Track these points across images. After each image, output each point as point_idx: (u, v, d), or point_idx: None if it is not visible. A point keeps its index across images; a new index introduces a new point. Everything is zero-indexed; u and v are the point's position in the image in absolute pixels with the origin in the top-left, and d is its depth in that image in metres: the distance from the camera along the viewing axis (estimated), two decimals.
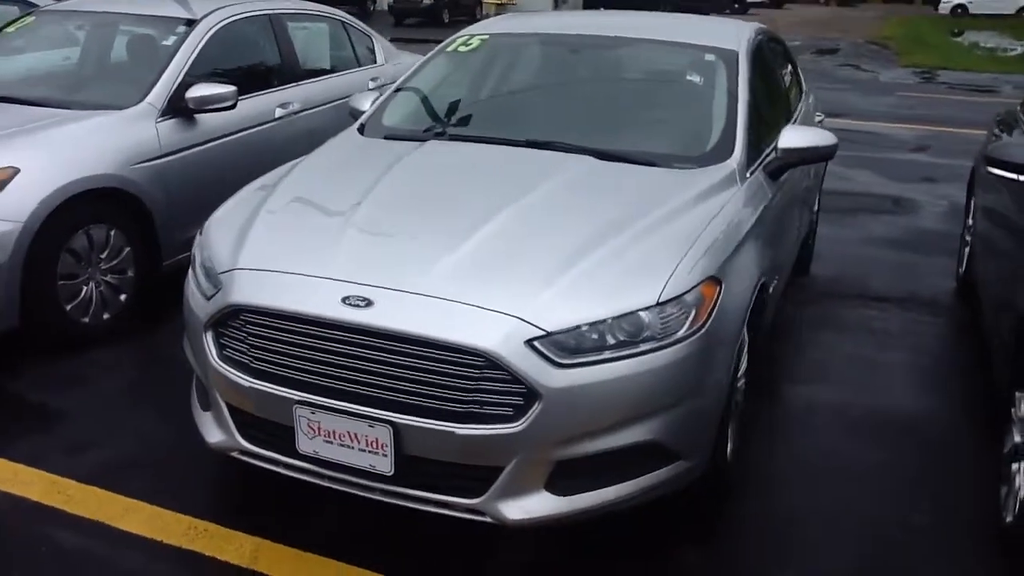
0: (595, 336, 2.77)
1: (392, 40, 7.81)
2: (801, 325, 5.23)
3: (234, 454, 3.11)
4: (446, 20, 30.37)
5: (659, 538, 3.21)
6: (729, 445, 3.33)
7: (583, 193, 3.45)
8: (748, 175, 3.70)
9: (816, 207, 6.09)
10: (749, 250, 3.34)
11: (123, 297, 4.73)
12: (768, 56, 4.83)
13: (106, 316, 4.64)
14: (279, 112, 5.72)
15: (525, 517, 2.79)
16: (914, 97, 15.80)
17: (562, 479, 2.80)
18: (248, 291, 2.98)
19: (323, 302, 2.84)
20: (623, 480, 2.87)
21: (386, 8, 31.22)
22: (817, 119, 5.56)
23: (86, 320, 4.53)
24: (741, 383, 3.53)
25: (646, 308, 2.81)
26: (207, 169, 5.04)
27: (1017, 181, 3.74)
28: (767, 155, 3.91)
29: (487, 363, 2.68)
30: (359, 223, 3.22)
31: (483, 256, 2.98)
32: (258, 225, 3.26)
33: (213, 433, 3.15)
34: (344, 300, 2.82)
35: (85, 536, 3.11)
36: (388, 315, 2.77)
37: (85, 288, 4.52)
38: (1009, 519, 3.13)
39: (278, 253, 3.09)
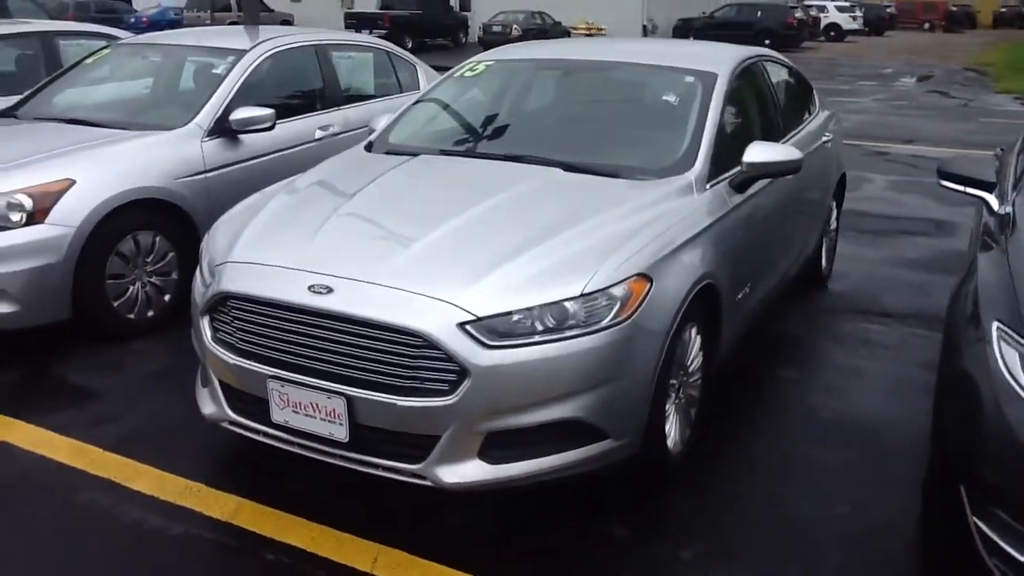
0: (527, 322, 3.13)
1: None
2: (801, 335, 5.44)
3: (224, 424, 3.57)
4: None
5: (594, 514, 3.51)
6: (671, 435, 3.60)
7: (541, 199, 3.81)
8: (707, 187, 3.99)
9: (831, 224, 6.27)
10: (693, 254, 3.62)
11: (167, 297, 5.28)
12: (760, 78, 5.10)
13: (150, 313, 5.20)
14: (319, 134, 6.24)
15: (459, 481, 3.15)
16: (997, 123, 15.49)
17: (494, 449, 3.15)
18: (235, 280, 3.44)
19: (293, 290, 3.28)
20: (551, 453, 3.19)
21: (476, 40, 32.09)
22: (824, 139, 5.75)
23: (131, 316, 5.09)
24: (695, 379, 3.81)
25: (571, 299, 3.16)
26: (248, 184, 5.48)
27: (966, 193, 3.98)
28: (737, 169, 4.19)
29: (425, 343, 3.07)
30: (336, 222, 3.65)
31: (434, 251, 3.37)
32: (252, 225, 3.73)
33: (208, 406, 3.62)
34: (310, 288, 3.25)
35: (97, 492, 3.59)
36: (345, 301, 3.19)
37: (132, 287, 5.08)
38: None
39: (264, 248, 3.55)
